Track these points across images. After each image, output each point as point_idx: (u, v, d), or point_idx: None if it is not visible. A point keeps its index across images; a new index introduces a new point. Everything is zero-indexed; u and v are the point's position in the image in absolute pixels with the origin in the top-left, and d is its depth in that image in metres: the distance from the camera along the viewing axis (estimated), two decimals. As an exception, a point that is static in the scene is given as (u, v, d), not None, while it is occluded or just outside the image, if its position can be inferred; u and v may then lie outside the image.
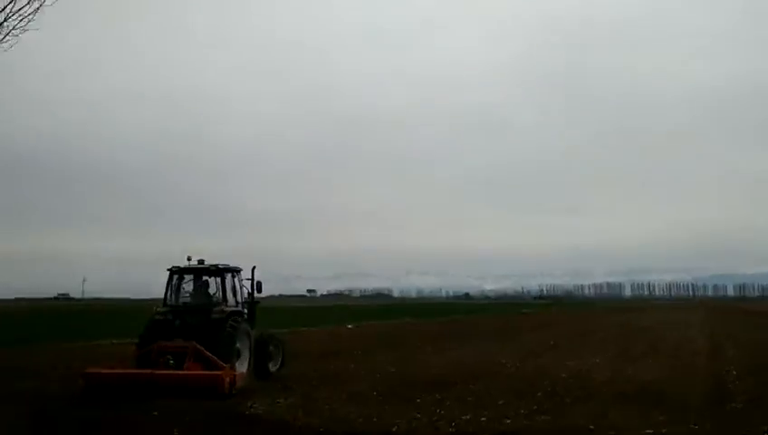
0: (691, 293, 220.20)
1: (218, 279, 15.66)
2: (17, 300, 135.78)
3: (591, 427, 10.11)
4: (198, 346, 13.84)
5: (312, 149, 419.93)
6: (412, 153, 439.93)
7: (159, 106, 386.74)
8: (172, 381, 12.98)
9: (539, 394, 13.28)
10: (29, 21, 14.56)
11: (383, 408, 11.83)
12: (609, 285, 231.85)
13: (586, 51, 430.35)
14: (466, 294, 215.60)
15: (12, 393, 13.12)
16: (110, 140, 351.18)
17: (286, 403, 12.52)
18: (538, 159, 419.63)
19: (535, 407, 11.86)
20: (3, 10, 14.39)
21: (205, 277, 15.83)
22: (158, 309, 15.39)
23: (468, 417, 11.02)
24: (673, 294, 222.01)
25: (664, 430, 9.80)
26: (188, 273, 15.70)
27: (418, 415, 11.17)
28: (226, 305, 15.35)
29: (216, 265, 15.60)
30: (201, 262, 15.58)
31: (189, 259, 15.53)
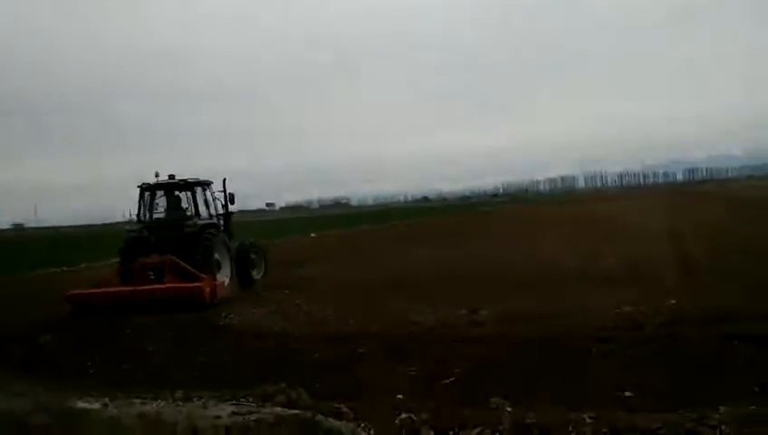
0: (641, 181, 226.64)
1: (189, 193, 15.68)
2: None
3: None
4: (176, 259, 14.01)
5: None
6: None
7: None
8: (153, 295, 13.24)
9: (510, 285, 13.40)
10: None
11: (357, 310, 11.79)
12: (563, 179, 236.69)
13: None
14: (424, 198, 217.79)
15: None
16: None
17: (261, 311, 12.61)
18: (489, 57, 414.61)
19: (506, 295, 12.09)
20: None
21: (176, 192, 15.80)
22: (132, 227, 15.40)
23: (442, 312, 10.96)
24: (624, 183, 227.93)
25: (641, 307, 10.06)
26: (159, 189, 15.64)
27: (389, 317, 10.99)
28: (199, 219, 15.43)
29: (185, 180, 15.55)
30: (172, 177, 15.50)
31: (157, 175, 15.40)
